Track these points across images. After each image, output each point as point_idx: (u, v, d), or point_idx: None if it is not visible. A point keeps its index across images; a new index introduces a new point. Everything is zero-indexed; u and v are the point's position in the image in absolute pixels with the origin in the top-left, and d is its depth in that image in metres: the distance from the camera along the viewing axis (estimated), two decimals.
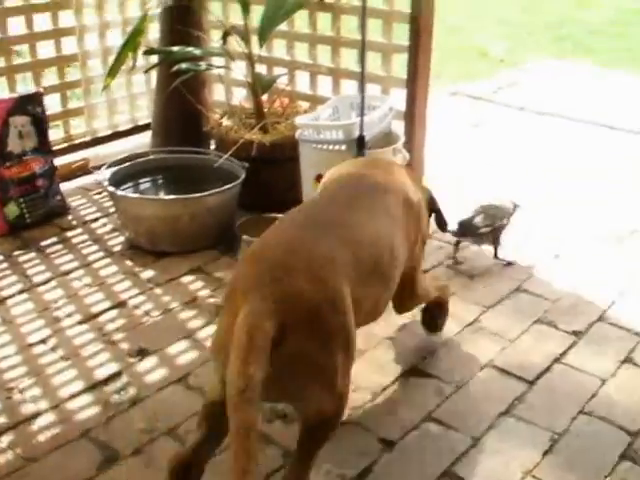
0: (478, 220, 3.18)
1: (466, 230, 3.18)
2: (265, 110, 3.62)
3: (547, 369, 2.54)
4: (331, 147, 3.12)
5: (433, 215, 2.60)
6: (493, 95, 5.59)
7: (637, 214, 3.68)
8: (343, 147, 3.09)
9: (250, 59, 3.52)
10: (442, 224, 2.67)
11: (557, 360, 2.59)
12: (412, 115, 3.44)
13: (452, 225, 2.97)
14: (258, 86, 3.56)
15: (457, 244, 3.25)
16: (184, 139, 3.65)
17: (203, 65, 3.64)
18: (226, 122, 3.63)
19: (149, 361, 2.56)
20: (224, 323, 1.73)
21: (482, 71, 6.27)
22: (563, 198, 3.82)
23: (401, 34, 3.49)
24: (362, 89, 3.08)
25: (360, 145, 3.04)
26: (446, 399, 2.40)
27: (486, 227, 3.19)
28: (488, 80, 5.94)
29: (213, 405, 1.81)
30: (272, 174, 3.44)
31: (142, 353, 2.59)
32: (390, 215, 2.13)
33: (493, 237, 3.23)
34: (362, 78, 3.08)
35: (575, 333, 2.74)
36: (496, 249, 3.24)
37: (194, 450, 1.85)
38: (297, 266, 1.74)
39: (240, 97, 3.89)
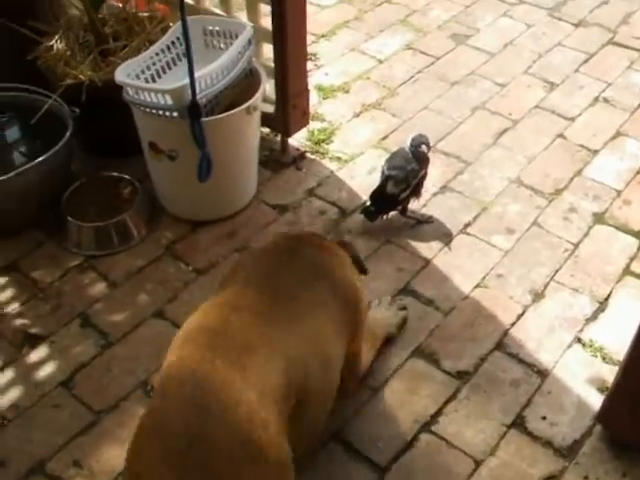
0: (390, 188, 2.53)
1: (385, 205, 2.58)
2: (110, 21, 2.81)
3: (410, 444, 1.99)
4: (161, 112, 2.36)
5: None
6: None
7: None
8: (175, 114, 2.34)
9: None
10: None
11: (426, 427, 2.03)
12: (283, 40, 2.59)
13: (367, 201, 2.60)
14: None
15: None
16: (9, 72, 2.86)
17: None
18: (58, 45, 2.81)
19: None
20: None
21: None
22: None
23: None
24: (186, 37, 2.24)
25: (193, 114, 2.29)
26: None
27: (403, 191, 2.55)
28: None
29: None
30: (110, 118, 2.67)
31: None
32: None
33: (415, 194, 2.62)
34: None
35: (460, 375, 2.16)
36: (405, 207, 2.62)
37: None
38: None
39: None
